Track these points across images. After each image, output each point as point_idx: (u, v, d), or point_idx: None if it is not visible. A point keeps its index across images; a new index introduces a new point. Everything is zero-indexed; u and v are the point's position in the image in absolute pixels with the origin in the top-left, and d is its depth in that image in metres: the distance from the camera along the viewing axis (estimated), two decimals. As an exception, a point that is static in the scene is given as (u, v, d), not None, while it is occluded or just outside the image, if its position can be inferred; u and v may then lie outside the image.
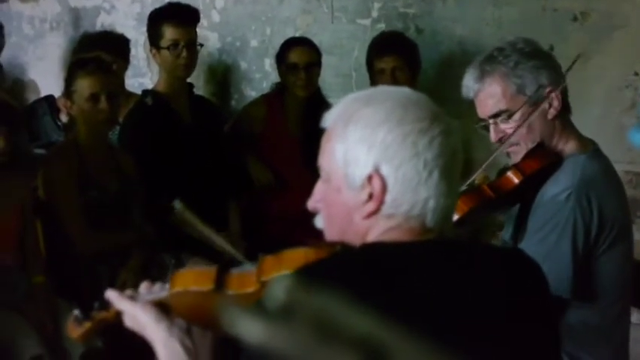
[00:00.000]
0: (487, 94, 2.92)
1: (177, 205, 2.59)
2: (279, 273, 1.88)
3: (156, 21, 4.75)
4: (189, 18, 4.77)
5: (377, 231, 1.81)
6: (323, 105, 5.02)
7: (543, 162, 2.91)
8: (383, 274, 1.69)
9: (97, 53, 4.42)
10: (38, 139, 5.33)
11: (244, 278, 1.97)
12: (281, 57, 5.06)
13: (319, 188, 1.92)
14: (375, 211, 1.78)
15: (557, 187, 2.85)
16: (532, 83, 2.88)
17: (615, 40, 4.82)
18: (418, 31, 5.32)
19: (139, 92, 5.18)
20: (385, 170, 1.74)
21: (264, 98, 5.25)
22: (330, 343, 0.63)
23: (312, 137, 4.92)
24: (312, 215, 5.31)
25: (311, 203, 1.95)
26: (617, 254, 2.91)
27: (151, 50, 4.78)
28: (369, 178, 1.76)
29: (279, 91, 5.17)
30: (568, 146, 2.95)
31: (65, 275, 4.21)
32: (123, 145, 4.66)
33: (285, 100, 5.14)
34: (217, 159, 4.86)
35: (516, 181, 2.92)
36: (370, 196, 1.77)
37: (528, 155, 2.92)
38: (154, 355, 2.13)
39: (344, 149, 1.78)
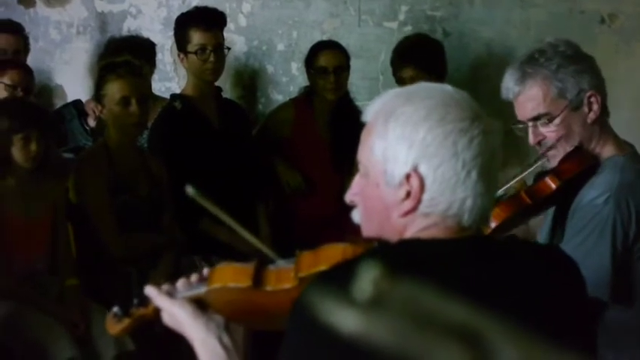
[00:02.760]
0: (528, 96, 2.89)
1: (190, 190, 2.58)
2: (316, 269, 1.88)
3: (183, 25, 4.77)
4: (216, 22, 4.78)
5: (414, 228, 1.80)
6: (351, 108, 5.05)
7: (581, 166, 2.89)
8: (422, 270, 1.68)
9: (125, 57, 4.43)
10: (66, 143, 5.33)
11: (282, 274, 1.96)
12: (310, 61, 5.07)
13: (357, 182, 1.91)
14: (413, 210, 1.78)
15: (595, 191, 2.83)
16: (573, 87, 2.85)
17: (644, 43, 4.81)
18: (445, 34, 5.32)
19: (166, 96, 5.20)
20: (424, 169, 1.74)
21: (293, 102, 5.25)
22: (427, 331, 0.63)
23: (341, 140, 5.01)
24: (340, 216, 5.31)
25: (348, 196, 1.95)
26: (655, 257, 2.90)
27: (178, 55, 4.80)
28: (408, 177, 1.75)
29: (307, 94, 5.17)
30: (606, 149, 2.93)
31: (96, 278, 4.24)
32: (152, 148, 4.68)
33: (314, 104, 5.14)
34: (246, 163, 4.87)
35: (554, 186, 2.90)
36: (408, 194, 1.76)
37: (566, 159, 2.90)
38: (185, 358, 2.14)
39: (384, 146, 1.77)
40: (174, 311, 2.09)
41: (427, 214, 1.78)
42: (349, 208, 5.28)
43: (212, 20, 4.76)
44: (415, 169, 1.74)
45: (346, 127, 5.02)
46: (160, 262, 4.29)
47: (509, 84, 2.95)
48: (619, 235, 2.79)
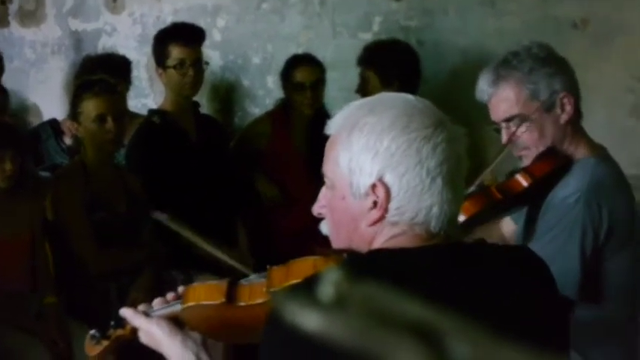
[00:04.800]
0: (501, 98, 2.94)
1: (160, 216, 2.58)
2: (287, 283, 1.91)
3: (162, 41, 4.78)
4: (195, 37, 4.80)
5: (382, 238, 1.81)
6: (327, 120, 5.03)
7: (553, 165, 2.93)
8: (393, 279, 1.67)
9: (100, 75, 4.43)
10: (42, 162, 5.33)
11: (254, 290, 2.00)
12: (286, 75, 5.08)
13: (324, 194, 1.92)
14: (380, 219, 1.79)
15: (566, 190, 2.87)
16: (546, 89, 2.90)
17: (616, 46, 4.83)
18: (420, 44, 5.32)
19: (142, 113, 5.21)
20: (389, 178, 1.75)
21: (269, 115, 5.27)
22: (384, 329, 0.64)
23: (317, 152, 4.98)
24: (318, 229, 5.26)
25: (316, 208, 1.96)
26: (625, 257, 2.93)
27: (157, 70, 4.81)
28: (373, 187, 1.76)
29: (283, 107, 5.19)
30: (578, 150, 2.97)
31: (75, 295, 4.22)
32: (130, 164, 4.69)
33: (290, 117, 5.15)
34: (224, 176, 4.87)
35: (525, 183, 2.93)
36: (374, 204, 1.77)
37: (538, 158, 2.94)
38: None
39: (348, 157, 1.78)
40: (152, 330, 2.11)
41: (395, 222, 1.79)
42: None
43: (191, 35, 4.79)
44: (380, 179, 1.75)
45: (323, 140, 5.02)
46: (139, 278, 4.27)
47: (483, 86, 3.00)
48: (588, 235, 2.83)
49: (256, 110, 5.72)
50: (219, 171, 4.85)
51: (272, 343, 1.65)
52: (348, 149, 1.78)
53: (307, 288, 0.81)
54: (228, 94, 5.82)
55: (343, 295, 0.67)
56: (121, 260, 4.31)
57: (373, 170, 1.75)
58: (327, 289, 0.68)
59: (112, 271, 4.24)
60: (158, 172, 4.58)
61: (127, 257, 4.33)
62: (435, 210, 1.77)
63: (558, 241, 2.82)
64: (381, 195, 1.76)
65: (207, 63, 4.89)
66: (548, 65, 2.93)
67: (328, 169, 1.86)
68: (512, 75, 2.92)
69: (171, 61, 4.70)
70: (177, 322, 2.11)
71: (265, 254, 4.75)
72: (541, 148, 2.94)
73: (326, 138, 5.00)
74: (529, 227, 3.07)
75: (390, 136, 1.74)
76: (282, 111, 5.19)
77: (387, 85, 4.88)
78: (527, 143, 2.93)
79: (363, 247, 1.84)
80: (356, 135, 1.77)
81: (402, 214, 1.77)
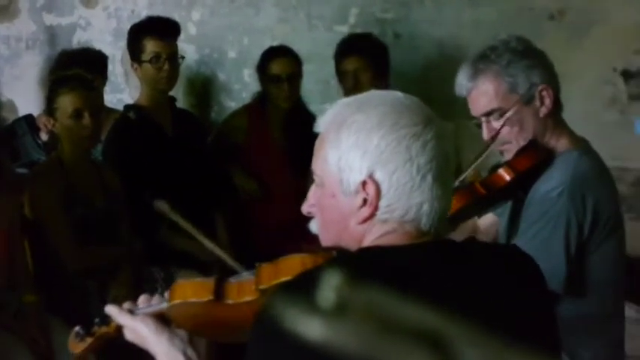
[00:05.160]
0: (479, 92, 2.94)
1: (162, 204, 2.57)
2: (277, 281, 1.90)
3: (137, 35, 4.74)
4: (170, 31, 4.76)
5: (372, 235, 1.81)
6: (304, 113, 5.05)
7: (535, 159, 2.93)
8: (383, 276, 1.68)
9: (76, 70, 4.39)
10: (19, 158, 5.28)
11: (243, 287, 1.99)
12: (262, 68, 5.05)
13: (313, 193, 1.92)
14: (370, 217, 1.78)
15: (549, 184, 2.87)
16: (524, 82, 2.90)
17: (593, 37, 4.85)
18: (396, 36, 5.32)
19: (118, 108, 5.18)
20: (379, 176, 1.74)
21: (246, 109, 5.25)
22: (391, 336, 0.63)
23: (295, 145, 5.01)
24: (299, 222, 5.29)
25: (305, 207, 1.96)
26: (610, 250, 2.93)
27: (132, 65, 4.77)
28: (363, 184, 1.76)
29: (260, 101, 5.17)
30: (560, 143, 2.97)
31: (55, 293, 4.18)
32: (107, 160, 4.66)
33: (267, 110, 5.14)
34: (202, 171, 4.85)
35: (508, 178, 2.93)
36: (364, 202, 1.77)
37: (520, 152, 2.95)
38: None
39: (337, 155, 1.78)
40: (137, 327, 2.10)
41: (385, 220, 1.78)
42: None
43: (166, 29, 4.75)
44: (370, 176, 1.75)
45: (300, 132, 5.02)
46: (119, 274, 4.25)
47: (462, 81, 3.01)
48: (573, 229, 2.84)
49: (233, 104, 5.68)
50: (197, 165, 4.83)
51: (267, 351, 1.64)
52: (337, 147, 1.78)
53: (304, 290, 0.80)
54: (204, 88, 5.79)
55: (345, 301, 0.66)
56: (100, 257, 4.29)
57: (363, 168, 1.75)
58: (327, 294, 0.66)
59: (91, 268, 4.21)
60: (135, 168, 4.55)
61: (106, 254, 4.32)
62: (426, 207, 1.77)
63: (542, 236, 2.82)
64: (371, 192, 1.75)
65: (182, 57, 4.86)
66: (526, 58, 2.94)
67: (317, 166, 1.86)
68: (491, 68, 2.92)
69: (146, 56, 4.66)
70: (163, 320, 2.10)
71: (245, 249, 4.75)
72: (522, 142, 2.94)
73: (304, 131, 5.02)
74: (514, 222, 3.07)
75: (379, 133, 1.74)
76: (258, 104, 5.17)
77: (380, 76, 4.90)
78: (508, 137, 2.93)
79: (352, 245, 1.84)
80: (344, 133, 1.77)
81: (392, 211, 1.77)
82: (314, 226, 1.96)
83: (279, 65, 4.99)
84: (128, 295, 4.04)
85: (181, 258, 4.36)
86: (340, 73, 5.03)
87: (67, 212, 4.18)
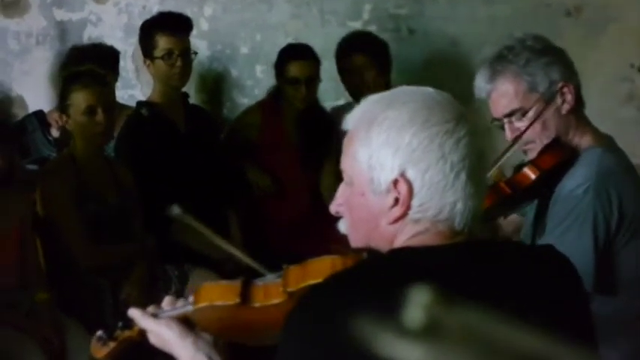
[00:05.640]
0: (499, 93, 2.91)
1: (176, 210, 2.54)
2: (305, 283, 1.86)
3: (149, 31, 4.71)
4: (182, 27, 4.73)
5: (404, 236, 1.77)
6: (318, 110, 5.03)
7: (560, 157, 2.89)
8: (418, 279, 1.64)
9: (88, 66, 4.36)
10: (29, 155, 5.25)
11: (270, 290, 1.96)
12: (280, 67, 4.99)
13: (342, 192, 1.88)
14: (402, 216, 1.74)
15: (575, 181, 2.84)
16: (544, 80, 2.86)
17: (610, 34, 4.81)
18: (410, 32, 5.29)
19: (129, 104, 5.16)
20: (411, 174, 1.70)
21: (260, 105, 5.20)
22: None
23: (308, 142, 4.98)
24: (310, 219, 5.23)
25: (333, 207, 1.91)
26: (637, 247, 2.89)
27: (144, 61, 4.74)
28: (395, 183, 1.72)
29: (274, 97, 5.13)
30: (584, 140, 2.94)
31: (68, 291, 4.17)
32: (120, 157, 4.63)
33: (281, 107, 5.10)
34: (215, 168, 4.82)
35: (533, 176, 2.90)
36: (396, 201, 1.73)
37: (544, 151, 2.90)
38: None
39: (368, 153, 1.74)
40: (161, 331, 2.07)
41: (417, 220, 1.74)
42: (319, 210, 5.26)
43: (178, 25, 4.72)
44: (402, 175, 1.71)
45: (314, 129, 5.01)
46: (132, 273, 4.22)
47: (480, 83, 2.97)
48: (600, 226, 2.80)
49: (245, 101, 5.64)
50: (210, 162, 4.80)
51: (300, 351, 1.61)
52: (367, 145, 1.74)
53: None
54: (216, 84, 5.75)
55: (437, 322, 0.60)
56: (113, 256, 4.27)
57: (394, 166, 1.71)
58: (416, 314, 0.61)
59: (104, 266, 4.19)
60: (148, 165, 4.52)
61: (119, 252, 4.29)
62: (459, 206, 1.73)
63: (570, 234, 2.78)
64: (402, 191, 1.71)
65: (195, 53, 4.83)
66: (544, 56, 2.90)
67: (347, 165, 1.82)
68: (509, 69, 2.89)
69: (158, 52, 4.64)
70: (187, 323, 2.06)
71: (258, 245, 4.72)
72: (545, 141, 2.90)
73: (317, 128, 4.99)
74: (539, 221, 3.03)
75: (410, 131, 1.70)
76: (272, 101, 5.13)
77: (383, 73, 4.89)
78: (532, 136, 2.90)
79: (383, 245, 1.81)
80: (375, 130, 1.74)
81: (425, 211, 1.73)
82: (342, 226, 1.92)
83: (299, 68, 4.94)
84: (141, 294, 4.09)
85: (195, 256, 4.32)
86: (344, 72, 5.03)
87: (79, 209, 4.15)
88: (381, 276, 1.69)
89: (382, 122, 1.73)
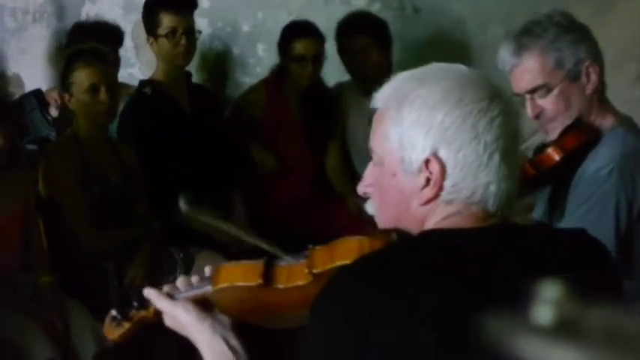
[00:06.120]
0: (525, 68, 2.85)
1: (183, 206, 2.48)
2: (332, 265, 1.80)
3: (152, 9, 4.66)
4: (186, 5, 4.69)
5: (436, 217, 1.71)
6: (321, 88, 4.99)
7: (583, 138, 2.86)
8: (451, 261, 1.62)
9: (91, 44, 4.29)
10: (27, 134, 5.18)
11: (294, 271, 1.90)
12: (285, 46, 4.94)
13: (370, 172, 1.82)
14: (434, 197, 1.69)
15: (598, 163, 2.80)
16: (571, 57, 2.83)
17: (618, 12, 4.76)
18: (415, 10, 5.23)
19: (129, 83, 5.10)
20: (444, 154, 1.65)
21: (263, 83, 5.15)
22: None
23: (312, 121, 4.94)
24: (313, 198, 5.17)
25: (361, 187, 1.86)
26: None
27: (147, 39, 4.69)
28: (427, 163, 1.66)
29: (277, 75, 5.08)
30: (605, 121, 2.90)
31: (72, 274, 4.12)
32: (123, 136, 4.58)
33: (285, 85, 5.05)
34: (219, 147, 4.79)
35: (557, 157, 2.86)
36: (427, 182, 1.68)
37: (567, 131, 2.86)
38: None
39: (399, 132, 1.69)
40: (177, 313, 2.01)
41: (449, 201, 1.69)
42: (323, 189, 5.21)
43: (182, 3, 4.67)
44: (434, 154, 1.66)
45: (317, 107, 4.97)
46: (137, 255, 4.19)
47: (505, 57, 2.91)
48: (623, 207, 2.77)
49: (247, 79, 5.58)
50: (214, 142, 4.76)
51: (331, 332, 1.58)
52: (398, 124, 1.69)
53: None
54: (217, 63, 5.68)
55: (572, 320, 0.54)
56: (116, 237, 4.24)
57: (426, 145, 1.66)
58: (547, 311, 0.55)
59: (108, 248, 4.15)
60: (152, 145, 4.48)
61: (123, 234, 4.26)
62: (493, 187, 1.68)
63: (592, 216, 2.74)
64: (435, 171, 1.66)
65: (199, 31, 4.79)
66: (571, 33, 2.86)
67: (376, 144, 1.77)
68: (537, 44, 2.84)
69: (162, 30, 4.59)
70: (204, 305, 2.00)
71: (262, 224, 4.68)
72: (567, 121, 2.86)
73: (320, 106, 4.95)
74: (554, 204, 2.99)
75: (443, 110, 1.65)
76: (276, 79, 5.09)
77: (386, 52, 4.85)
78: (553, 115, 2.85)
79: (413, 227, 1.75)
80: (407, 109, 1.68)
81: (459, 192, 1.68)
82: (370, 207, 1.87)
83: (305, 45, 4.89)
84: (146, 276, 4.05)
85: (201, 238, 4.28)
86: (346, 53, 5.02)
87: (83, 190, 4.11)
88: (415, 258, 1.64)
89: (414, 100, 1.68)
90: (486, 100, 1.67)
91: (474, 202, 1.69)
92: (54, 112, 5.14)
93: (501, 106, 1.68)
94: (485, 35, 5.01)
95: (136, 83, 4.96)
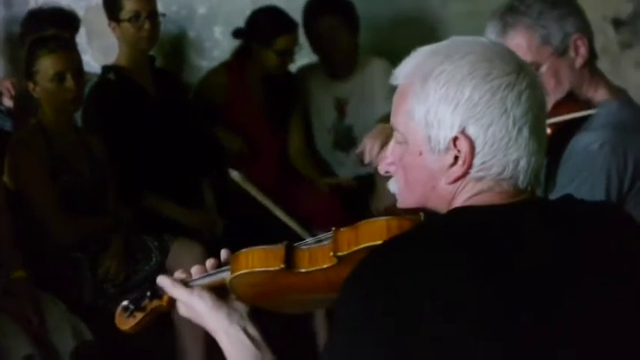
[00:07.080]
0: (511, 47, 2.79)
1: (235, 175, 2.45)
2: (358, 247, 1.75)
3: (114, -8, 4.54)
4: None
5: (465, 195, 1.68)
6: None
7: (574, 112, 2.83)
8: (486, 239, 1.58)
9: (53, 31, 4.19)
10: (-19, 126, 5.05)
11: (316, 254, 1.85)
12: (268, 39, 4.87)
13: (393, 150, 1.77)
14: (463, 175, 1.65)
15: (589, 137, 2.77)
16: (557, 32, 2.81)
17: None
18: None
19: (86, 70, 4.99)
20: (472, 131, 1.62)
21: (225, 66, 5.10)
22: None
23: (274, 102, 4.91)
24: (279, 181, 5.09)
25: (383, 166, 1.81)
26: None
27: (109, 24, 4.59)
28: (455, 140, 1.63)
29: (239, 57, 5.03)
30: (598, 94, 2.88)
31: (45, 267, 4.04)
32: (88, 124, 4.49)
33: (249, 67, 5.00)
34: (186, 132, 4.73)
35: (548, 131, 2.83)
36: (456, 159, 1.64)
37: (558, 106, 2.84)
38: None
39: (424, 109, 1.64)
40: (193, 302, 1.95)
41: (479, 178, 1.65)
42: (289, 172, 5.17)
43: None
44: (463, 132, 1.62)
45: (279, 89, 5.01)
46: (110, 246, 4.12)
47: (490, 36, 2.86)
48: (613, 182, 2.75)
49: (204, 63, 5.51)
50: (181, 127, 4.70)
51: (365, 314, 1.54)
52: (423, 101, 1.65)
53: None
54: (172, 47, 5.58)
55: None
56: (88, 228, 4.17)
57: (454, 122, 1.62)
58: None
59: (81, 240, 4.09)
60: (118, 131, 4.41)
61: (94, 225, 4.20)
62: (523, 163, 1.65)
63: (583, 190, 2.71)
64: (463, 149, 1.62)
65: (163, 15, 4.70)
66: (557, 7, 2.84)
67: (399, 122, 1.71)
68: (521, 21, 2.82)
69: (125, 14, 4.50)
70: (220, 293, 1.95)
71: (232, 211, 4.67)
72: (559, 96, 2.84)
73: (283, 86, 4.91)
74: (547, 177, 2.96)
75: (471, 84, 1.61)
76: (238, 61, 5.04)
77: (355, 33, 4.83)
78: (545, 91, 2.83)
79: (440, 206, 1.71)
80: (432, 84, 1.64)
81: (489, 169, 1.64)
82: (393, 186, 1.81)
83: (290, 41, 4.89)
84: (120, 267, 3.99)
85: (173, 226, 4.23)
86: (314, 35, 4.98)
87: (52, 181, 4.04)
88: (451, 237, 1.60)
89: (439, 76, 1.64)
90: (514, 73, 1.64)
91: (505, 178, 1.65)
92: (8, 101, 5.01)
93: (528, 79, 1.66)
94: (447, 11, 5.01)
95: (89, 70, 4.84)
